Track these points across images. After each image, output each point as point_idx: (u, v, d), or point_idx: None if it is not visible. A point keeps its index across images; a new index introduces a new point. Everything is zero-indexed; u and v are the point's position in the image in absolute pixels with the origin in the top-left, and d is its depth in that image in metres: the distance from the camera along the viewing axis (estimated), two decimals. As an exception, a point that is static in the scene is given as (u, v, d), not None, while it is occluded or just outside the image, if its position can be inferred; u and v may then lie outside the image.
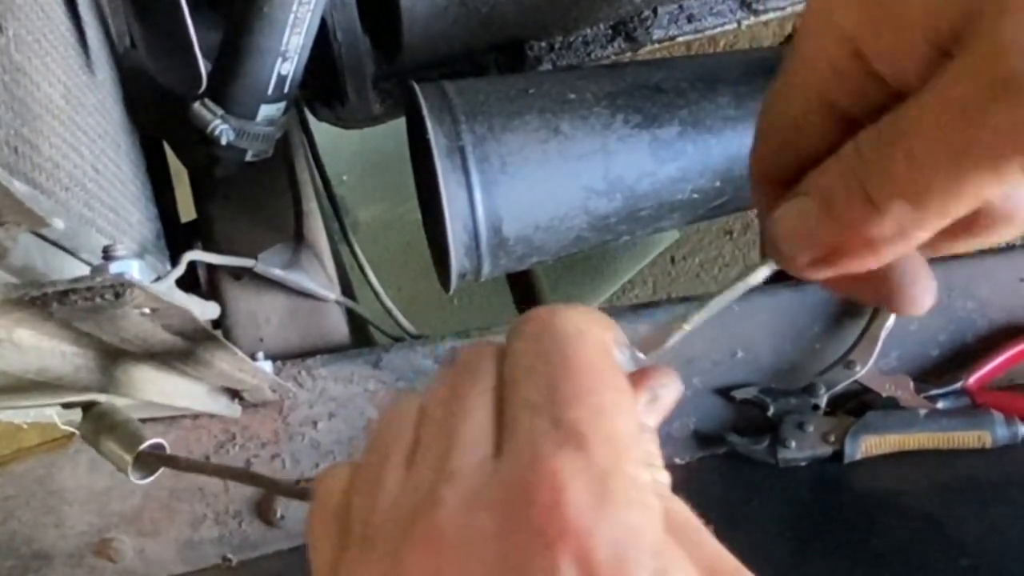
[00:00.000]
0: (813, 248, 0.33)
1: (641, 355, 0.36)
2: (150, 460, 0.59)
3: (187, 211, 0.98)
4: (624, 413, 0.31)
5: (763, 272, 0.37)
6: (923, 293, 0.35)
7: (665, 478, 0.33)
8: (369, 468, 0.33)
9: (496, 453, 0.30)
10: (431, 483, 0.30)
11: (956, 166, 0.28)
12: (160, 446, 0.60)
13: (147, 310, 0.39)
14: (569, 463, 0.28)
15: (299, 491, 0.72)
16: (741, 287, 0.38)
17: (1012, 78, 0.26)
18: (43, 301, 0.34)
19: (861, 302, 0.36)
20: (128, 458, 0.58)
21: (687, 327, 0.39)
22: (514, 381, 0.32)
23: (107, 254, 0.43)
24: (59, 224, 0.40)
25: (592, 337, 0.33)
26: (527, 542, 0.27)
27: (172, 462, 0.62)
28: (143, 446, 0.59)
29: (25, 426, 0.75)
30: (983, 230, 0.33)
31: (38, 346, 0.40)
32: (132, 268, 0.42)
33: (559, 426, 0.29)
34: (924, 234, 0.31)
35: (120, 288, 0.34)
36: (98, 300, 0.34)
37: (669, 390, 0.35)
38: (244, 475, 0.66)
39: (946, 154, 0.28)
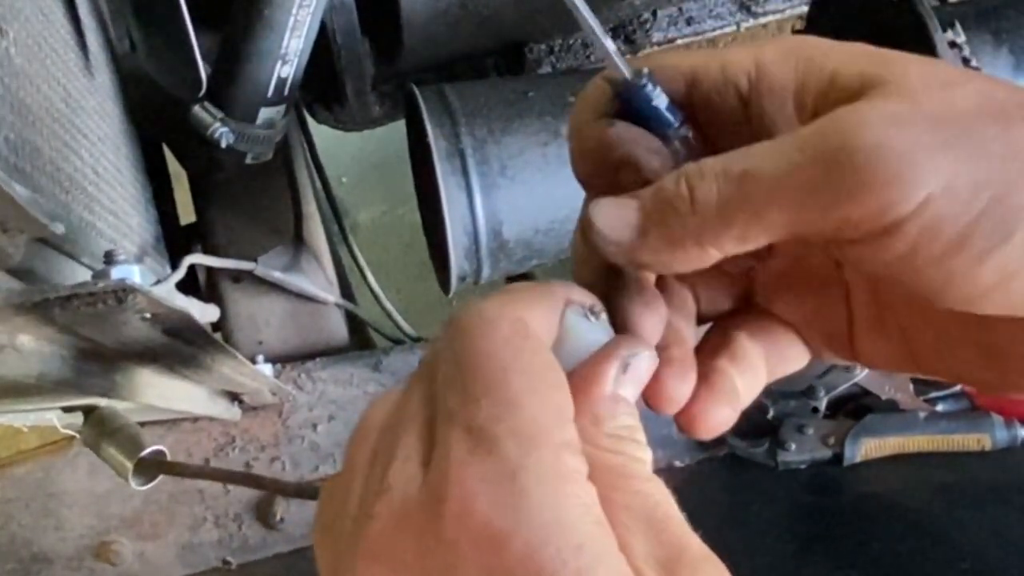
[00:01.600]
0: (624, 252, 0.33)
1: (605, 316, 0.35)
2: (150, 466, 0.59)
3: (187, 213, 0.97)
4: (539, 397, 0.29)
5: None
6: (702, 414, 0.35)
7: (643, 453, 0.31)
8: (343, 476, 0.33)
9: (425, 464, 0.30)
10: (373, 495, 0.30)
11: (784, 217, 0.29)
12: (160, 452, 0.60)
13: (148, 314, 0.39)
14: (477, 468, 0.27)
15: (300, 489, 0.72)
16: None
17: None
18: (46, 306, 0.34)
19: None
20: (129, 464, 0.59)
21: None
22: (437, 391, 0.31)
23: (108, 259, 0.43)
24: (60, 229, 0.40)
25: (499, 324, 0.31)
26: (443, 557, 0.27)
27: (172, 468, 0.62)
28: (143, 453, 0.59)
29: (25, 429, 0.75)
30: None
31: (40, 351, 0.40)
32: (133, 273, 0.41)
33: (470, 430, 0.28)
34: (718, 254, 0.31)
35: (122, 293, 0.34)
36: (100, 305, 0.34)
37: (641, 358, 0.33)
38: (244, 478, 0.66)
39: (784, 207, 0.29)
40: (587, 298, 0.34)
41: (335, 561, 0.31)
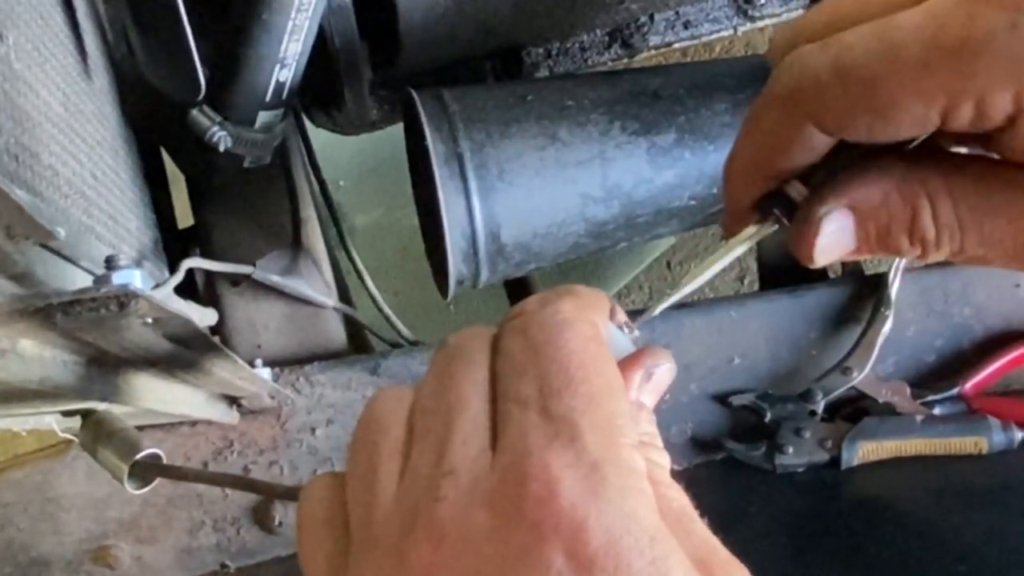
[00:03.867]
0: (841, 256, 0.35)
1: (637, 332, 0.37)
2: (146, 470, 0.59)
3: (185, 217, 0.97)
4: (615, 399, 0.31)
5: (741, 248, 0.38)
6: None
7: (664, 459, 0.33)
8: (359, 466, 0.33)
9: (492, 447, 0.31)
10: (429, 478, 0.30)
11: None
12: (156, 456, 0.60)
13: (150, 319, 0.39)
14: (561, 455, 0.29)
15: (293, 493, 0.72)
16: (721, 261, 0.39)
17: None
18: (48, 312, 0.34)
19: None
20: (124, 467, 0.58)
21: (675, 296, 0.40)
22: (505, 376, 0.32)
23: (110, 264, 0.43)
24: (62, 234, 0.40)
25: (579, 325, 0.33)
26: (522, 536, 0.28)
27: (167, 472, 0.62)
28: (139, 456, 0.59)
29: (24, 433, 0.75)
30: None
31: (41, 356, 0.40)
32: (135, 278, 0.42)
33: (550, 419, 0.30)
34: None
35: (124, 299, 0.34)
36: (102, 311, 0.34)
37: (663, 368, 0.36)
38: (240, 482, 0.66)
39: None
40: (623, 315, 0.37)
41: (366, 550, 0.31)
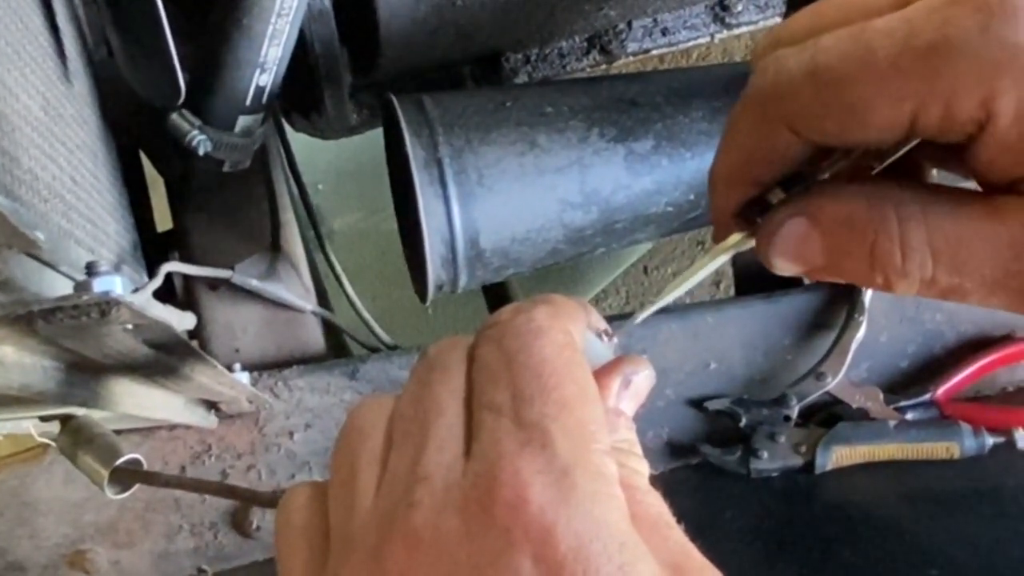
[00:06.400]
0: (802, 266, 0.35)
1: (616, 340, 0.37)
2: (126, 475, 0.59)
3: (163, 220, 0.97)
4: (587, 405, 0.31)
5: (723, 257, 0.38)
6: None
7: (643, 466, 0.33)
8: (340, 473, 0.34)
9: (466, 453, 0.31)
10: (405, 484, 0.31)
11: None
12: (136, 461, 0.60)
13: (131, 326, 0.39)
14: (531, 461, 0.29)
15: (274, 500, 0.72)
16: (704, 269, 0.39)
17: None
18: (29, 319, 0.34)
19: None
20: (104, 473, 0.58)
21: (657, 304, 0.40)
22: (479, 384, 0.33)
23: (90, 270, 0.44)
24: (42, 240, 0.40)
25: (552, 333, 0.33)
26: (493, 542, 0.28)
27: (147, 478, 0.62)
28: (119, 461, 0.59)
29: (0, 437, 0.74)
30: None
31: (20, 362, 0.40)
32: (116, 284, 0.42)
33: (521, 425, 0.30)
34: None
35: (106, 306, 0.34)
36: (84, 318, 0.34)
37: (641, 376, 0.36)
38: (220, 489, 0.66)
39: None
40: (602, 323, 0.37)
41: (344, 555, 0.31)
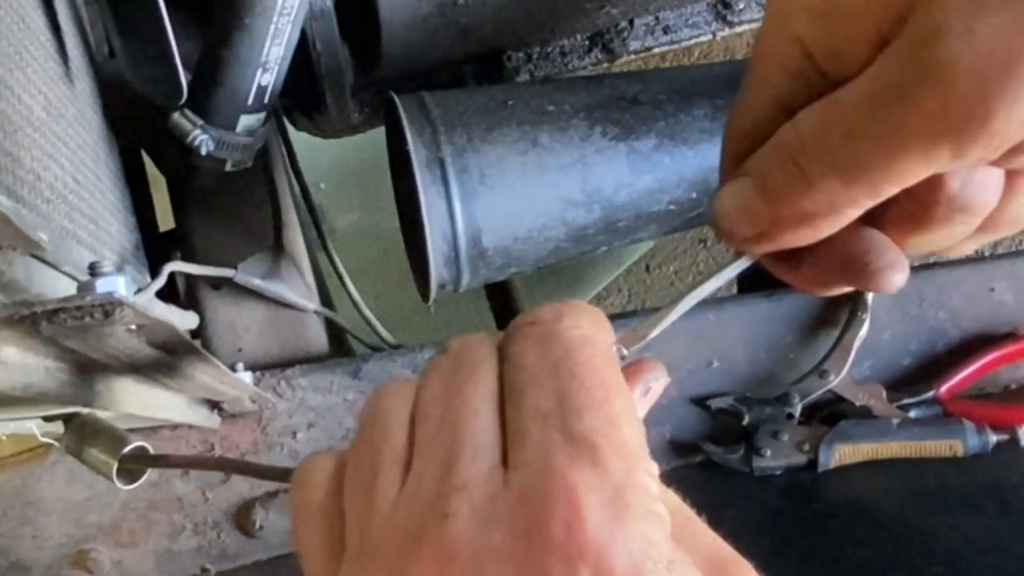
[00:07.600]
0: (750, 223, 0.35)
1: (625, 351, 0.36)
2: (135, 462, 0.59)
3: (166, 220, 0.97)
4: (632, 423, 0.31)
5: (735, 267, 0.38)
6: (889, 269, 0.35)
7: (654, 467, 0.32)
8: (361, 467, 0.32)
9: (504, 462, 0.30)
10: (436, 492, 0.29)
11: (885, 146, 0.29)
12: (143, 448, 0.60)
13: (134, 326, 0.39)
14: (585, 478, 0.28)
15: (288, 475, 0.72)
16: (714, 282, 0.39)
17: (942, 63, 0.27)
18: (32, 320, 0.34)
19: (839, 289, 0.37)
20: (113, 463, 0.58)
21: (666, 321, 0.40)
22: (520, 387, 0.31)
23: (93, 270, 0.43)
24: (44, 239, 0.40)
25: (599, 344, 0.32)
26: (545, 560, 0.27)
27: (156, 461, 0.61)
28: (126, 449, 0.59)
29: (3, 438, 0.74)
30: (942, 220, 0.34)
31: (24, 363, 0.40)
32: (119, 285, 0.42)
33: (571, 438, 0.29)
34: (854, 211, 0.32)
35: (109, 307, 0.34)
36: (87, 319, 0.34)
37: (660, 382, 0.36)
38: (229, 464, 0.66)
39: (877, 134, 0.29)
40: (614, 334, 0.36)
41: (362, 562, 0.30)
